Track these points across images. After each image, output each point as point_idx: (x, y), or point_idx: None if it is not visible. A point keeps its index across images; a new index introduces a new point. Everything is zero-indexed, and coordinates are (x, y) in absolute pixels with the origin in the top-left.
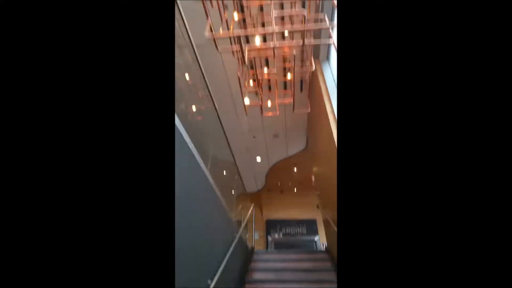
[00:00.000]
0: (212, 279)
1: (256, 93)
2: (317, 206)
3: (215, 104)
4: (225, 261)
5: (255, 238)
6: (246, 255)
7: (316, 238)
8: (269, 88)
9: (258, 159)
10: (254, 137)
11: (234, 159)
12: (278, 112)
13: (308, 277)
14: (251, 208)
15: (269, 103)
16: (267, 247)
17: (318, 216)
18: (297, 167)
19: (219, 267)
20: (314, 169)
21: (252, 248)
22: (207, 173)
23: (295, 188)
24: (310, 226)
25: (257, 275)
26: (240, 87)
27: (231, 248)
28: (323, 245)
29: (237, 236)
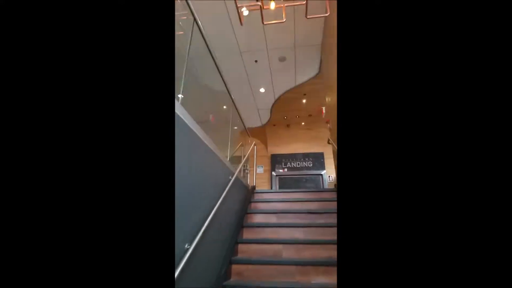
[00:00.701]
0: (201, 227)
1: None
2: (328, 141)
3: (194, 14)
4: (216, 206)
5: (259, 172)
6: (245, 196)
7: (323, 172)
8: None
9: (262, 89)
10: (256, 61)
11: (228, 88)
12: (284, 18)
13: (313, 220)
14: (252, 145)
15: (272, 5)
16: (271, 183)
17: (325, 149)
18: (306, 98)
19: (210, 212)
20: (328, 99)
21: (253, 187)
22: (178, 107)
23: (303, 122)
24: (317, 160)
25: (256, 219)
26: None
27: (225, 192)
28: (330, 178)
29: (232, 179)
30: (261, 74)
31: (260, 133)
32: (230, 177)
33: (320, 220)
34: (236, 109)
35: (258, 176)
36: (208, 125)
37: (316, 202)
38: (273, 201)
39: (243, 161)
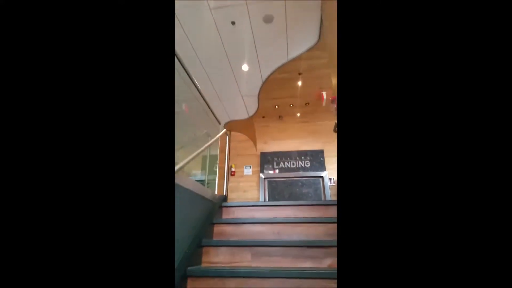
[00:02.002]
0: None
1: None
2: (334, 129)
3: None
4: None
5: (246, 174)
6: (207, 214)
7: (323, 174)
8: None
9: (245, 67)
10: (233, 23)
11: (183, 64)
12: None
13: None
14: (222, 134)
15: None
16: (259, 188)
17: (326, 146)
18: (302, 79)
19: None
20: (334, 81)
21: (223, 199)
22: None
23: (298, 113)
24: (316, 159)
25: (218, 256)
26: None
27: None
28: (331, 181)
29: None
30: (242, 44)
31: (247, 127)
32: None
33: (327, 260)
34: (204, 99)
35: (246, 178)
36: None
37: (318, 226)
38: (249, 222)
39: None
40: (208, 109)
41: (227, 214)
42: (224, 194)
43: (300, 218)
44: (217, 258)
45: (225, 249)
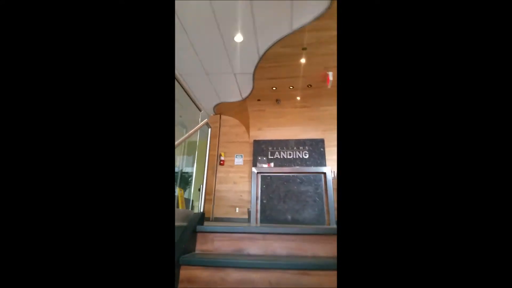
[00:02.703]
0: None
1: None
2: None
3: None
4: None
5: (237, 163)
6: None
7: (325, 170)
8: None
9: (238, 37)
10: None
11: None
12: None
13: None
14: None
15: None
16: (251, 184)
17: (326, 135)
18: (307, 56)
19: None
20: None
21: (201, 218)
22: None
23: (299, 97)
24: (315, 149)
25: None
26: None
27: None
28: (333, 173)
29: None
30: (235, 7)
31: (240, 111)
32: None
33: None
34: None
35: (237, 169)
36: None
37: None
38: (234, 267)
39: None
40: (183, 91)
41: (203, 244)
42: (201, 210)
43: (308, 260)
44: None
45: None
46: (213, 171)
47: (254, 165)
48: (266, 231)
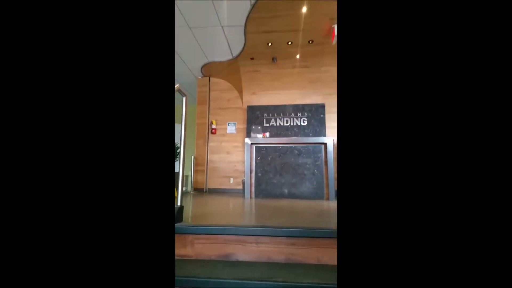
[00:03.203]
0: None
1: None
2: None
3: None
4: None
5: (230, 132)
6: None
7: (326, 141)
8: None
9: None
10: None
11: None
12: None
13: None
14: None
15: None
16: (245, 157)
17: (328, 99)
18: (309, 4)
19: None
20: None
21: (180, 210)
22: None
23: (298, 54)
24: (315, 115)
25: None
26: None
27: None
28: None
29: None
30: None
31: (231, 72)
32: None
33: None
34: None
35: (230, 138)
36: None
37: None
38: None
39: None
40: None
41: (181, 248)
42: (178, 204)
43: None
44: None
45: None
46: (204, 141)
47: (248, 135)
48: (259, 233)
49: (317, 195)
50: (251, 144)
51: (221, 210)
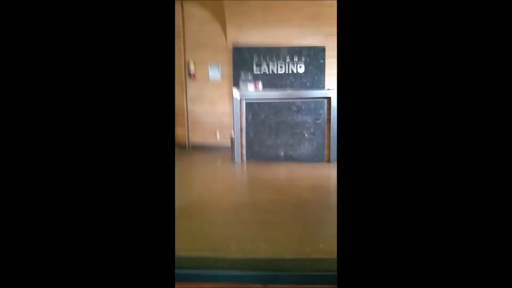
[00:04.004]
0: None
1: None
2: None
3: None
4: None
5: (212, 78)
6: None
7: (331, 94)
8: None
9: None
10: None
11: None
12: None
13: None
14: None
15: None
16: (233, 118)
17: (330, 41)
18: None
19: None
20: None
21: None
22: None
23: None
24: (314, 61)
25: None
26: None
27: None
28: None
29: None
30: None
31: (213, 6)
32: None
33: None
34: None
35: (213, 85)
36: None
37: None
38: None
39: None
40: None
41: None
42: None
43: None
44: None
45: None
46: (181, 87)
47: (236, 84)
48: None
49: (317, 157)
50: (240, 99)
51: (208, 198)
